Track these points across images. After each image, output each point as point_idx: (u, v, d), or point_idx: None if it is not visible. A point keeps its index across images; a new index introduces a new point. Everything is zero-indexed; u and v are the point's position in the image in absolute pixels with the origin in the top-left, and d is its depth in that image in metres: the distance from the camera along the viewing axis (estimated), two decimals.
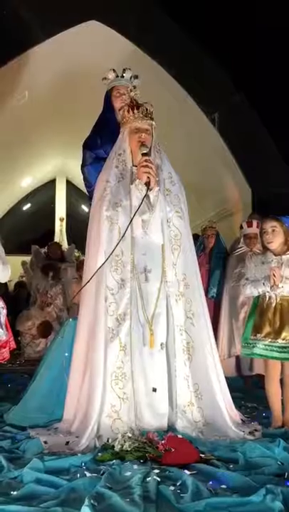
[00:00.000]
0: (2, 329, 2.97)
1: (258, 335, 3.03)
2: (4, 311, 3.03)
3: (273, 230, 3.10)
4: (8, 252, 3.23)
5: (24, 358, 6.58)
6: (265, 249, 3.20)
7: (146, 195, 2.95)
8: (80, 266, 5.69)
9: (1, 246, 3.13)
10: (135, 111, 3.16)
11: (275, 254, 3.12)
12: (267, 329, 3.02)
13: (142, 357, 2.86)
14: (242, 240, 5.27)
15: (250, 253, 4.96)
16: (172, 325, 2.96)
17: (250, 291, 3.13)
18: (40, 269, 7.27)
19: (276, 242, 3.10)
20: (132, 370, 2.81)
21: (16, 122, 8.45)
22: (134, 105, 3.21)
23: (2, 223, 12.05)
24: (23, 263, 8.24)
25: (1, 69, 6.76)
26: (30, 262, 8.18)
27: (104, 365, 2.77)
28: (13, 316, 5.98)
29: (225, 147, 7.39)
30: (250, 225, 5.18)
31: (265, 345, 3.01)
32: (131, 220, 2.93)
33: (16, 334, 6.27)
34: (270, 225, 3.12)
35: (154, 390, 2.83)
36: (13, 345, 3.19)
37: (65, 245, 10.49)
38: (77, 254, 8.36)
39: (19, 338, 6.63)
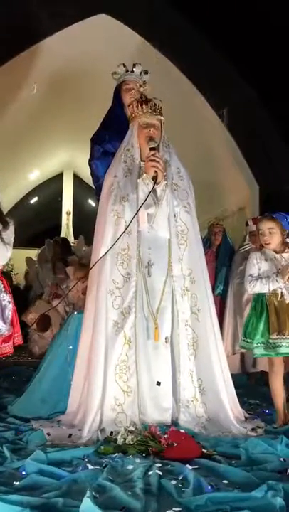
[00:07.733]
0: (5, 324, 2.94)
1: (281, 334, 2.97)
2: (10, 306, 2.99)
3: (270, 232, 3.11)
4: (15, 244, 3.22)
5: (30, 352, 6.57)
6: (262, 247, 3.21)
7: (153, 189, 2.95)
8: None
9: (12, 229, 3.09)
10: (144, 106, 3.16)
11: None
12: None
13: (147, 351, 2.85)
14: (247, 236, 5.26)
15: (253, 250, 4.95)
16: (177, 320, 2.96)
17: (259, 288, 3.09)
18: (51, 261, 7.25)
19: (274, 242, 3.13)
20: (137, 363, 2.81)
21: (24, 115, 8.46)
22: (143, 100, 3.20)
23: (9, 216, 12.04)
24: (28, 259, 8.23)
25: (11, 62, 6.75)
26: (38, 255, 8.18)
27: (105, 357, 2.78)
28: (21, 308, 5.90)
29: (233, 143, 7.35)
30: (255, 221, 5.14)
31: None
32: (136, 213, 2.93)
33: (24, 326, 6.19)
34: (267, 226, 3.12)
35: (158, 383, 2.82)
36: (18, 341, 3.09)
37: (71, 239, 10.51)
38: (84, 248, 8.36)
39: (29, 331, 6.55)
